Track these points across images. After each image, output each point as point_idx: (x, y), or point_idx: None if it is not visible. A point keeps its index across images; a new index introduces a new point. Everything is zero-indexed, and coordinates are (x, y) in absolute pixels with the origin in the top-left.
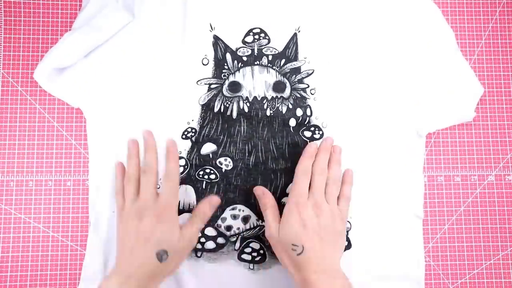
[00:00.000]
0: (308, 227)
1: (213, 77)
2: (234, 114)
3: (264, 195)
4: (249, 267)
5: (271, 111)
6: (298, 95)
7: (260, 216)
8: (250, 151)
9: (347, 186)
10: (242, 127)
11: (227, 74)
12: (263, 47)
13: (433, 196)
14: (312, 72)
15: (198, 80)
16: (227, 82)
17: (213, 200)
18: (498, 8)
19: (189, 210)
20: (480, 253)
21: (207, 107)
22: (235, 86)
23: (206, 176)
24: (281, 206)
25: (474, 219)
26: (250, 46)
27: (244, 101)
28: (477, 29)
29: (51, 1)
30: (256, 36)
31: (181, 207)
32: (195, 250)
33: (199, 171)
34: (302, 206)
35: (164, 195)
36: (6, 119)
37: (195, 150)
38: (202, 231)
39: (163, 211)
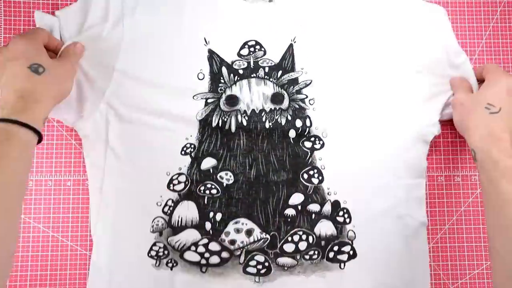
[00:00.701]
0: None
1: (209, 92)
2: (233, 128)
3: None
4: (255, 280)
5: (270, 124)
6: (297, 106)
7: (263, 228)
8: (251, 164)
9: None
10: (242, 141)
11: (224, 87)
12: (259, 59)
13: (434, 196)
14: (310, 83)
15: (195, 95)
16: (224, 96)
17: (79, 45)
18: (499, 8)
19: (192, 226)
20: (481, 253)
21: (205, 122)
22: (232, 100)
23: (207, 191)
24: (284, 218)
25: (475, 219)
26: (246, 59)
27: (242, 115)
28: (478, 29)
29: (51, 1)
30: (252, 49)
31: (183, 224)
32: (200, 265)
33: (200, 187)
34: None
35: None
36: None
37: (195, 165)
38: (206, 246)
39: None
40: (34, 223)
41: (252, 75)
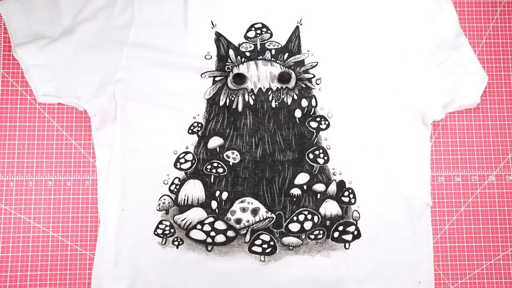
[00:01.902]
0: None
1: (217, 70)
2: (240, 107)
3: None
4: (260, 259)
5: (277, 103)
6: (303, 86)
7: (269, 207)
8: (257, 143)
9: None
10: (248, 120)
11: (231, 66)
12: (265, 41)
13: (434, 196)
14: (316, 65)
15: (202, 73)
16: (231, 74)
17: None
18: (499, 8)
19: (198, 205)
20: (481, 253)
21: (212, 101)
22: (240, 78)
23: (214, 170)
24: (290, 197)
25: (475, 219)
26: (253, 41)
27: (249, 94)
28: (478, 29)
29: None
30: (258, 31)
31: (190, 202)
32: (206, 244)
33: (206, 165)
34: None
35: None
36: (6, 119)
37: (202, 144)
38: (212, 225)
39: None
40: (34, 223)
41: (259, 58)
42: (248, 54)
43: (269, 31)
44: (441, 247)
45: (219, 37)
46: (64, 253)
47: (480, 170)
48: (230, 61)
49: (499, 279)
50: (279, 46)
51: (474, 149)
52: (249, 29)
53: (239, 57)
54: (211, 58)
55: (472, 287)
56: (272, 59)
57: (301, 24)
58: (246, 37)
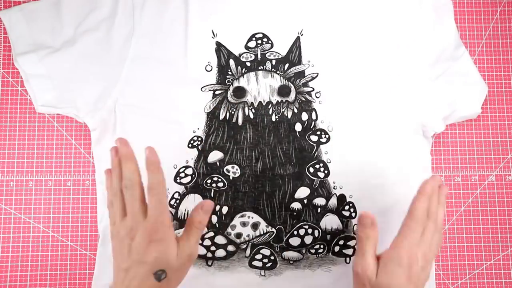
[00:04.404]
0: (413, 281)
1: (217, 83)
2: (240, 121)
3: (372, 225)
4: (261, 274)
5: (277, 117)
6: (303, 99)
7: (269, 222)
8: (257, 157)
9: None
10: (248, 134)
11: (231, 79)
12: (266, 51)
13: None
14: (317, 76)
15: (203, 87)
16: (231, 88)
17: (206, 205)
18: (499, 8)
19: None
20: (481, 253)
21: (212, 115)
22: (240, 92)
23: (214, 185)
24: (290, 211)
25: (475, 219)
26: (253, 51)
27: (249, 107)
28: (478, 29)
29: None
30: (259, 41)
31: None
32: (206, 258)
33: (206, 180)
34: (413, 259)
35: (151, 212)
36: (6, 119)
37: (202, 158)
38: (212, 239)
39: (154, 229)
40: (34, 223)
41: (259, 68)
42: (248, 64)
43: (269, 41)
44: (442, 247)
45: (219, 47)
46: (64, 253)
47: (480, 170)
48: (230, 73)
49: (499, 279)
50: (280, 56)
51: (474, 149)
52: (249, 39)
53: (239, 67)
54: (211, 69)
55: (472, 287)
56: (273, 69)
57: (302, 35)
58: (246, 47)
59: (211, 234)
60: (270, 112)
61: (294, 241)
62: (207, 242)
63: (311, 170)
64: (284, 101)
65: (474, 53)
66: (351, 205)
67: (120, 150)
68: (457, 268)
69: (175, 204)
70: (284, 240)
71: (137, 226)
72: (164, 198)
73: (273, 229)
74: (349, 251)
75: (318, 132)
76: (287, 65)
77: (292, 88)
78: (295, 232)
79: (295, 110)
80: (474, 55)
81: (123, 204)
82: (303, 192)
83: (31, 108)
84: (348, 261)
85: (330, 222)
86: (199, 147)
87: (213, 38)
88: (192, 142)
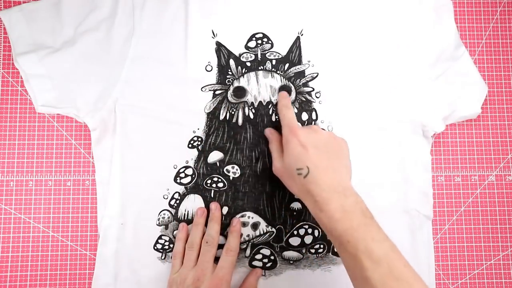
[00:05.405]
0: (308, 146)
1: (217, 83)
2: (240, 121)
3: (271, 133)
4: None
5: (277, 116)
6: (303, 99)
7: (269, 222)
8: (257, 157)
9: None
10: (248, 134)
11: (231, 79)
12: (266, 51)
13: (434, 196)
14: (317, 76)
15: (203, 87)
16: (231, 88)
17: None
18: (499, 8)
19: None
20: (481, 253)
21: (212, 115)
22: (240, 91)
23: (214, 185)
24: (290, 211)
25: (475, 219)
26: (253, 51)
27: (250, 108)
28: (478, 29)
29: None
30: (259, 41)
31: (190, 217)
32: None
33: (206, 180)
34: (296, 129)
35: (222, 268)
36: (6, 119)
37: (202, 159)
38: None
39: (218, 285)
40: (34, 223)
41: (260, 68)
42: (248, 64)
43: (270, 41)
44: (441, 247)
45: (219, 47)
46: (64, 253)
47: (480, 170)
48: (230, 72)
49: (499, 279)
50: (280, 56)
51: (474, 149)
52: (250, 39)
53: (239, 67)
54: (211, 69)
55: (472, 287)
56: (273, 69)
57: (302, 35)
58: (247, 47)
59: None
60: (270, 112)
61: (294, 241)
62: None
63: None
64: None
65: (474, 53)
66: None
67: (214, 213)
68: (457, 268)
69: (175, 205)
70: (284, 240)
71: (204, 278)
72: (235, 260)
73: (273, 229)
74: None
75: None
76: (287, 65)
77: (292, 88)
78: (295, 232)
79: (296, 110)
80: (474, 55)
81: (197, 257)
82: None
83: (31, 108)
84: None
85: None
86: (199, 147)
87: (213, 38)
88: (192, 142)
